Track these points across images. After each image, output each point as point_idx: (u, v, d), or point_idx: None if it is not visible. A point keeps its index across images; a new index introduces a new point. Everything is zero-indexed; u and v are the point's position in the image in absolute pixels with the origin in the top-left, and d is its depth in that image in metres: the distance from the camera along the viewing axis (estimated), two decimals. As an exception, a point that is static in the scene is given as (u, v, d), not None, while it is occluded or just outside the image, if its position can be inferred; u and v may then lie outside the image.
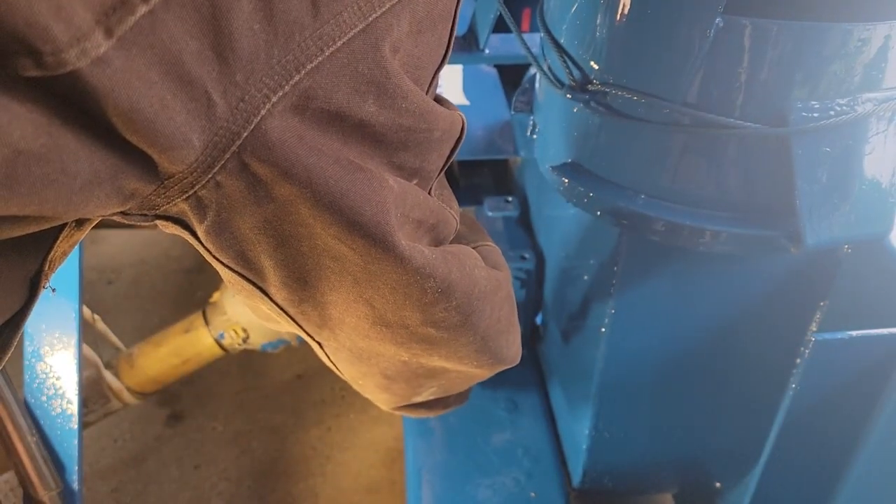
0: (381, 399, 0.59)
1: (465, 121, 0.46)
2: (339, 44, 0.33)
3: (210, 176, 0.33)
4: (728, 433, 0.96)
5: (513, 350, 0.60)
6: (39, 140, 0.26)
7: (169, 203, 0.34)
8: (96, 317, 1.21)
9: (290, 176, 0.34)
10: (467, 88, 1.31)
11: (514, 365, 0.61)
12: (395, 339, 0.47)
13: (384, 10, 0.34)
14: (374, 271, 0.40)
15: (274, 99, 0.32)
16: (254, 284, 0.41)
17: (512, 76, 1.33)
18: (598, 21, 0.68)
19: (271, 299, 0.43)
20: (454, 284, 0.46)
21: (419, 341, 0.48)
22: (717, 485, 1.04)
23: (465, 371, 0.56)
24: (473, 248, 0.58)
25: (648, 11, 0.64)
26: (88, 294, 1.88)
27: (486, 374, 0.59)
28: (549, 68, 0.78)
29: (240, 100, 0.31)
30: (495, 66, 1.38)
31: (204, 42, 0.29)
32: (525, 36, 0.82)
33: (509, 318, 0.58)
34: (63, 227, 0.36)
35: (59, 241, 0.37)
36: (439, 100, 0.46)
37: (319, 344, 0.50)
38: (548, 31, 0.75)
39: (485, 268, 0.53)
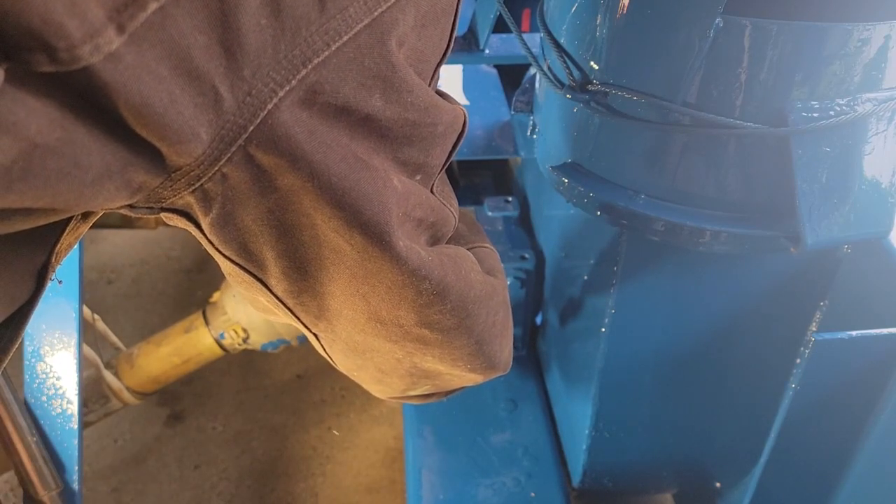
0: (376, 390, 0.60)
1: (466, 115, 0.46)
2: (345, 38, 0.33)
3: (216, 168, 0.33)
4: (728, 433, 0.96)
5: (505, 355, 0.60)
6: (54, 134, 0.26)
7: (175, 196, 0.34)
8: (96, 317, 1.21)
9: (294, 167, 0.34)
10: (467, 88, 1.31)
11: (505, 372, 0.61)
12: (390, 336, 0.48)
13: (390, 4, 0.34)
14: (371, 269, 0.41)
15: (281, 93, 0.32)
16: (254, 276, 0.42)
17: (512, 76, 1.33)
18: (598, 21, 0.68)
19: (271, 291, 0.43)
20: (449, 288, 0.46)
21: (413, 340, 0.49)
22: (717, 485, 1.04)
23: (459, 374, 0.57)
24: (471, 248, 0.59)
25: (648, 11, 0.64)
26: (88, 294, 1.88)
27: (479, 378, 0.59)
28: (549, 68, 0.78)
29: (247, 94, 0.31)
30: (495, 66, 1.38)
31: (212, 37, 0.29)
32: (525, 36, 0.82)
33: (504, 324, 0.58)
34: (69, 220, 0.37)
35: (65, 234, 0.37)
36: (441, 94, 0.46)
37: (316, 336, 0.51)
38: (548, 31, 0.75)
39: (481, 272, 0.53)
